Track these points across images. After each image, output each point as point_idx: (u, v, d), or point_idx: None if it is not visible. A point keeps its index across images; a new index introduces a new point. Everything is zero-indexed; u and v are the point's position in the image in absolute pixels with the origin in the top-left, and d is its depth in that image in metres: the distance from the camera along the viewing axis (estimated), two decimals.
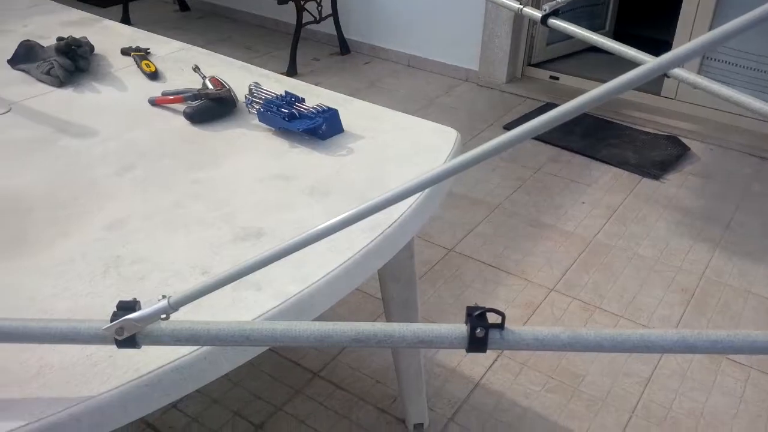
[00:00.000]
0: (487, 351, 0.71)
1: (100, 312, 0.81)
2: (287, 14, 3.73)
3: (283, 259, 0.70)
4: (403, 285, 1.35)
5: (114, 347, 0.69)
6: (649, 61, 0.55)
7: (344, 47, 3.69)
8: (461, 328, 0.70)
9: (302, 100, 1.28)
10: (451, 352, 1.80)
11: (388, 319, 1.43)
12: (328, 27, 3.65)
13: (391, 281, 1.34)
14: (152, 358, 0.74)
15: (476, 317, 0.69)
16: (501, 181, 2.59)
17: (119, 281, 0.86)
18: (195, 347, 0.76)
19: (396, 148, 1.21)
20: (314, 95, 1.34)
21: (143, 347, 0.69)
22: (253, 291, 0.85)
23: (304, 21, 3.43)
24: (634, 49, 1.14)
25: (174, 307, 0.66)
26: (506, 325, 0.70)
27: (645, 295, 2.02)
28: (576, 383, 1.73)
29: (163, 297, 0.66)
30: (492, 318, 0.70)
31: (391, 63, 3.63)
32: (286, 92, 1.30)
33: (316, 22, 3.49)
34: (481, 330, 0.69)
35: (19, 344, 0.73)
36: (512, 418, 1.63)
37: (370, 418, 1.61)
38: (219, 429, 1.56)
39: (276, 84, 1.39)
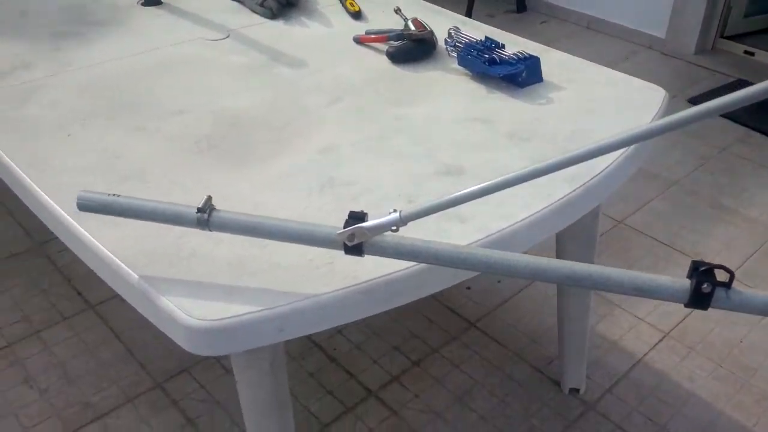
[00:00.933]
0: (709, 309, 0.68)
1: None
2: None
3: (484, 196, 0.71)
4: (582, 245, 1.32)
5: (336, 254, 0.75)
6: None
7: (521, 4, 3.59)
8: (683, 282, 0.68)
9: (502, 47, 1.27)
10: (614, 325, 1.75)
11: (561, 285, 1.41)
12: None
13: (570, 239, 1.32)
14: (367, 270, 0.78)
15: (702, 272, 0.67)
16: (681, 157, 2.43)
17: (334, 199, 0.92)
18: (405, 266, 0.79)
19: (598, 101, 1.17)
20: (512, 43, 1.33)
21: (363, 258, 0.73)
22: (457, 223, 0.88)
23: None
24: None
25: (404, 220, 0.69)
26: (733, 285, 0.67)
27: None
28: (747, 375, 1.62)
29: (394, 210, 0.70)
30: (719, 276, 0.67)
31: (569, 24, 3.49)
32: (486, 37, 1.30)
33: None
34: (708, 286, 0.66)
35: (251, 241, 0.80)
36: (674, 400, 1.56)
37: (524, 375, 1.62)
38: (378, 359, 1.64)
39: (474, 30, 1.39)
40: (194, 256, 0.80)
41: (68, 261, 1.85)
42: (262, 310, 0.73)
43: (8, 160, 0.97)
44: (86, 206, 0.75)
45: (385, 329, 1.72)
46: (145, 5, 1.53)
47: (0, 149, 0.99)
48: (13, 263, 1.86)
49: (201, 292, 0.75)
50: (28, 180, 0.92)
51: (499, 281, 1.87)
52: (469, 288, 1.85)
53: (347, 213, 0.73)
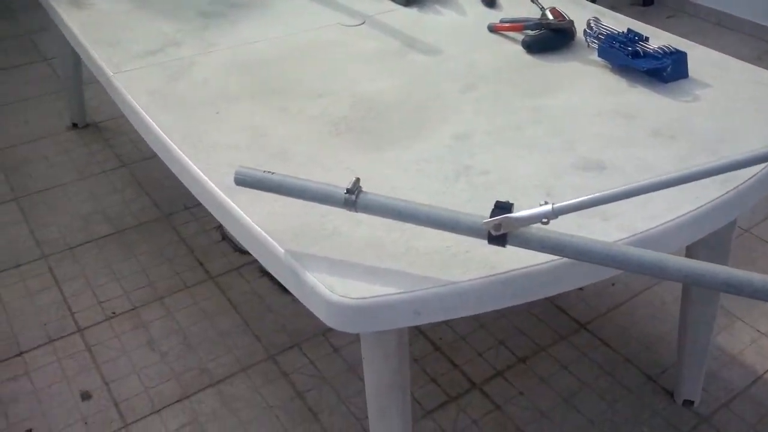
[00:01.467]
0: None
1: None
2: None
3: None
4: (715, 254, 1.25)
5: (473, 242, 0.74)
6: None
7: None
8: None
9: (646, 40, 1.22)
10: (735, 338, 1.65)
11: (687, 291, 1.36)
12: None
13: (703, 248, 1.25)
14: (504, 260, 0.77)
15: None
16: None
17: (469, 188, 0.92)
18: (543, 260, 0.78)
19: (749, 101, 1.11)
20: (654, 36, 1.27)
21: (503, 249, 0.73)
22: (599, 220, 0.85)
23: None
24: None
25: (556, 213, 0.68)
26: None
27: None
28: None
29: (546, 202, 0.69)
30: None
31: (698, 20, 3.30)
32: (629, 30, 1.25)
33: None
34: None
35: (389, 224, 0.81)
36: None
37: (635, 382, 1.56)
38: (484, 352, 1.63)
39: (612, 21, 1.34)
40: (336, 234, 0.82)
41: (192, 233, 1.95)
42: (401, 292, 0.74)
43: (164, 135, 1.03)
44: (242, 181, 0.79)
45: (492, 323, 1.70)
46: None
47: (156, 124, 1.06)
48: (142, 231, 1.98)
49: (343, 270, 0.77)
50: (184, 156, 0.98)
51: (613, 284, 1.81)
52: (581, 289, 1.80)
53: (482, 202, 0.72)
